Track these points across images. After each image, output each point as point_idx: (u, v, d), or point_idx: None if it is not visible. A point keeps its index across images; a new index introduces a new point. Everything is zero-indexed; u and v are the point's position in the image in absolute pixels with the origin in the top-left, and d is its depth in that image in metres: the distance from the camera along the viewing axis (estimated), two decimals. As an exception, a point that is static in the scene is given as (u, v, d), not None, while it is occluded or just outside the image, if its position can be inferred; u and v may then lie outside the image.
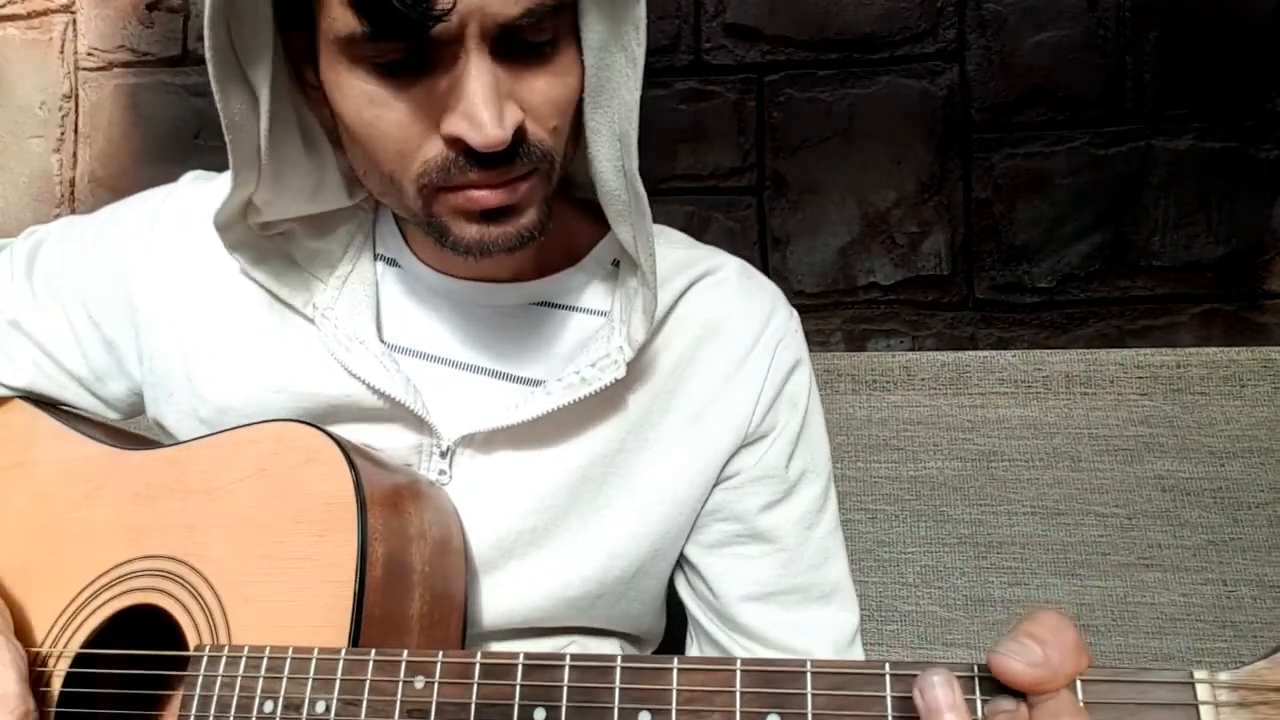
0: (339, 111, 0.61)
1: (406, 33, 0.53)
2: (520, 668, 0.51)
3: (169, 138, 1.63)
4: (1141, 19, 1.39)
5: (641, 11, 0.59)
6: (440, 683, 0.53)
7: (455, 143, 0.58)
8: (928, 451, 1.20)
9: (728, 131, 1.49)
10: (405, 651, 0.54)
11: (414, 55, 0.55)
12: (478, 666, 0.52)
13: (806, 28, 1.47)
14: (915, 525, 1.18)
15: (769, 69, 1.48)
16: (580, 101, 0.63)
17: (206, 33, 0.58)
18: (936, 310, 1.44)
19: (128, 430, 0.83)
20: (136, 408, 0.81)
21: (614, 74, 0.61)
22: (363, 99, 0.58)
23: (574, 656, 0.50)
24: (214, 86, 0.60)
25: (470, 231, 0.62)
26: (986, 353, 1.22)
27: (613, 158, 0.63)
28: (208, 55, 0.58)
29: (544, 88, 0.59)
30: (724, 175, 1.49)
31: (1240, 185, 1.37)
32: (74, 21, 1.67)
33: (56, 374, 0.78)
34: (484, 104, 0.55)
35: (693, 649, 0.79)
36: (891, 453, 1.21)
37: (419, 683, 0.53)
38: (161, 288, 0.75)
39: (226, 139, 0.62)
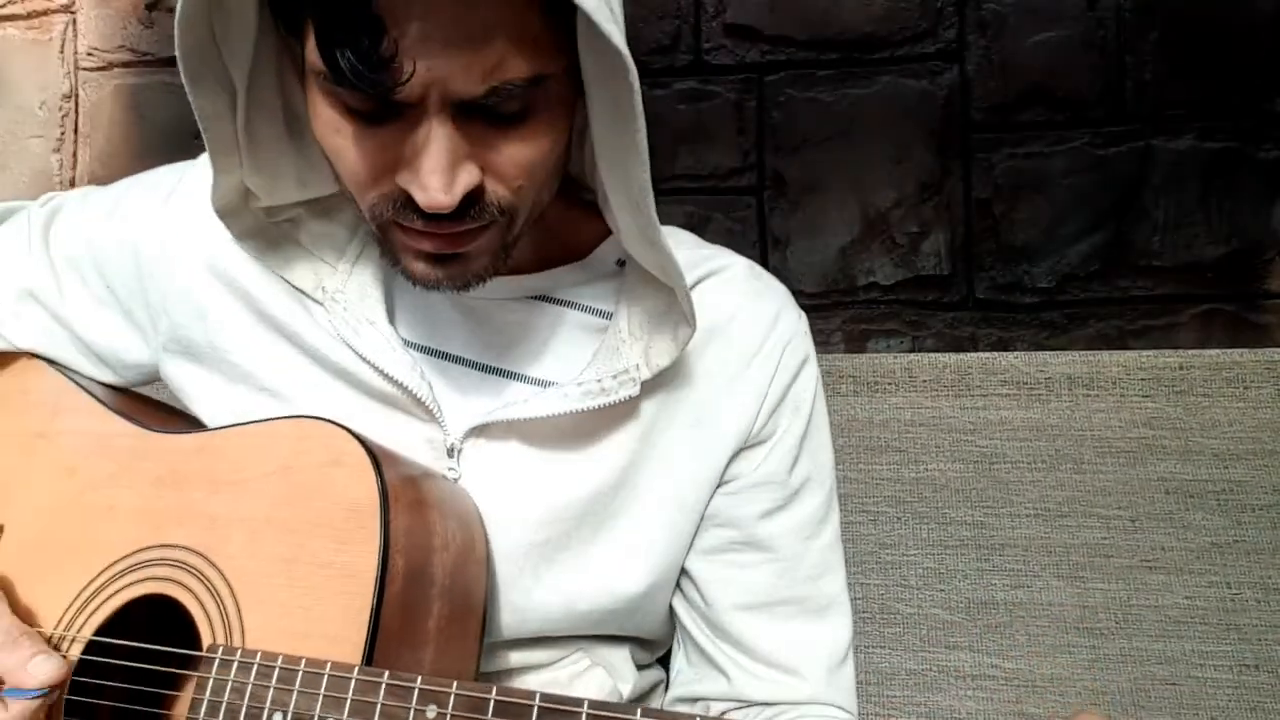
0: (311, 122, 0.61)
1: (368, 90, 0.53)
2: (536, 709, 0.50)
3: (169, 138, 1.62)
4: (1141, 19, 1.39)
5: (640, 121, 0.57)
6: (453, 715, 0.52)
7: (405, 192, 0.58)
8: (929, 453, 1.20)
9: (728, 131, 1.49)
10: (419, 678, 0.53)
11: (379, 107, 0.55)
12: (491, 703, 0.51)
13: (806, 28, 1.47)
14: (917, 527, 1.18)
15: (769, 69, 1.48)
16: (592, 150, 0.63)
17: (179, 29, 0.57)
18: (936, 310, 1.44)
19: (155, 406, 0.81)
20: (146, 376, 0.80)
21: (627, 156, 0.59)
22: (329, 127, 0.58)
23: (592, 704, 0.50)
24: (185, 80, 0.60)
25: (418, 268, 0.62)
26: (988, 354, 1.22)
27: (637, 227, 0.63)
28: (179, 50, 0.58)
29: (512, 152, 0.58)
30: (724, 175, 1.49)
31: (1240, 185, 1.37)
32: (74, 21, 1.66)
33: (68, 342, 0.78)
34: (434, 171, 0.55)
35: (679, 657, 0.78)
36: (893, 454, 1.20)
37: (431, 712, 0.52)
38: (175, 260, 0.74)
39: (201, 128, 0.62)
